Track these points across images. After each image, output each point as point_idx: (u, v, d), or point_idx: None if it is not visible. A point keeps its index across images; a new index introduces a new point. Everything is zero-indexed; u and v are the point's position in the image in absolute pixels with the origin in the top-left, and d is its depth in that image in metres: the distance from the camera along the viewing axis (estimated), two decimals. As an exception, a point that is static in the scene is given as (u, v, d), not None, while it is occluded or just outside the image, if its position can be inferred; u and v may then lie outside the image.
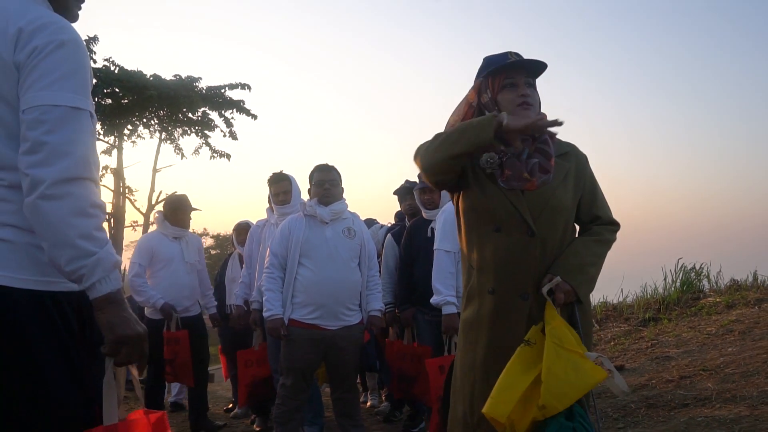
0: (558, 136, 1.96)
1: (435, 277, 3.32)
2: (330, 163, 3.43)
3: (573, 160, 1.96)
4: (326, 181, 3.32)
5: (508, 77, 1.87)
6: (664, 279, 8.47)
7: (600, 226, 1.94)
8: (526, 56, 1.89)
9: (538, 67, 1.91)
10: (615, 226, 1.97)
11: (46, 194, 1.17)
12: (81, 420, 1.26)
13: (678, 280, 8.38)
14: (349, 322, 3.26)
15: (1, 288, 1.21)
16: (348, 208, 3.42)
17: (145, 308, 4.21)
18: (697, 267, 8.64)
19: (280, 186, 3.86)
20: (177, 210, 4.19)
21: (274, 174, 3.93)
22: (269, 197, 4.01)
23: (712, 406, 3.44)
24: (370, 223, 5.21)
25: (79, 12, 1.49)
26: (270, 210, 4.05)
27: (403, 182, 4.30)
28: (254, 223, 4.48)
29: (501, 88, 1.88)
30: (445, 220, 3.35)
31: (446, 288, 3.26)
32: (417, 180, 4.12)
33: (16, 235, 1.24)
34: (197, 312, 4.37)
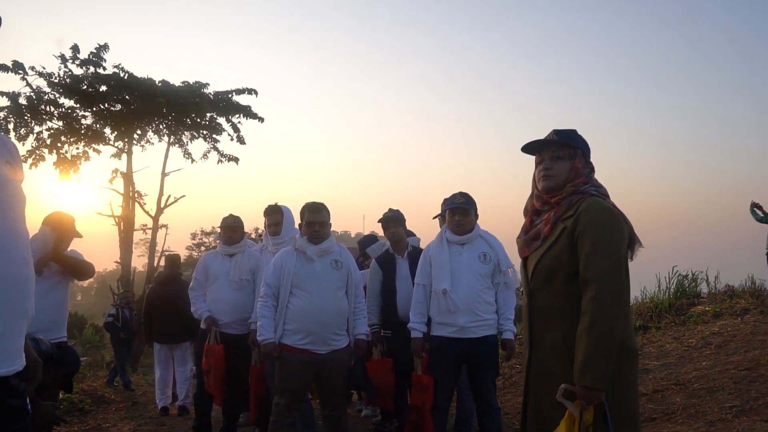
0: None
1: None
2: (319, 202, 3.66)
3: (573, 219, 1.99)
4: (316, 222, 3.56)
5: (539, 157, 2.17)
6: (658, 286, 8.66)
7: (585, 301, 1.90)
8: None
9: (556, 142, 2.10)
10: (590, 285, 1.88)
11: None
12: None
13: (672, 287, 8.56)
14: (337, 346, 3.54)
15: None
16: (335, 242, 3.69)
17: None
18: (693, 273, 8.82)
19: (272, 218, 4.15)
20: (225, 229, 4.49)
21: (268, 206, 4.20)
22: (265, 225, 4.29)
23: (675, 421, 3.70)
24: (372, 239, 5.34)
25: None
26: (267, 235, 4.33)
27: (386, 211, 4.45)
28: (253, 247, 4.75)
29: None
30: (422, 256, 3.80)
31: (415, 316, 3.71)
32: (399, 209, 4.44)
33: None
34: (240, 331, 4.26)
